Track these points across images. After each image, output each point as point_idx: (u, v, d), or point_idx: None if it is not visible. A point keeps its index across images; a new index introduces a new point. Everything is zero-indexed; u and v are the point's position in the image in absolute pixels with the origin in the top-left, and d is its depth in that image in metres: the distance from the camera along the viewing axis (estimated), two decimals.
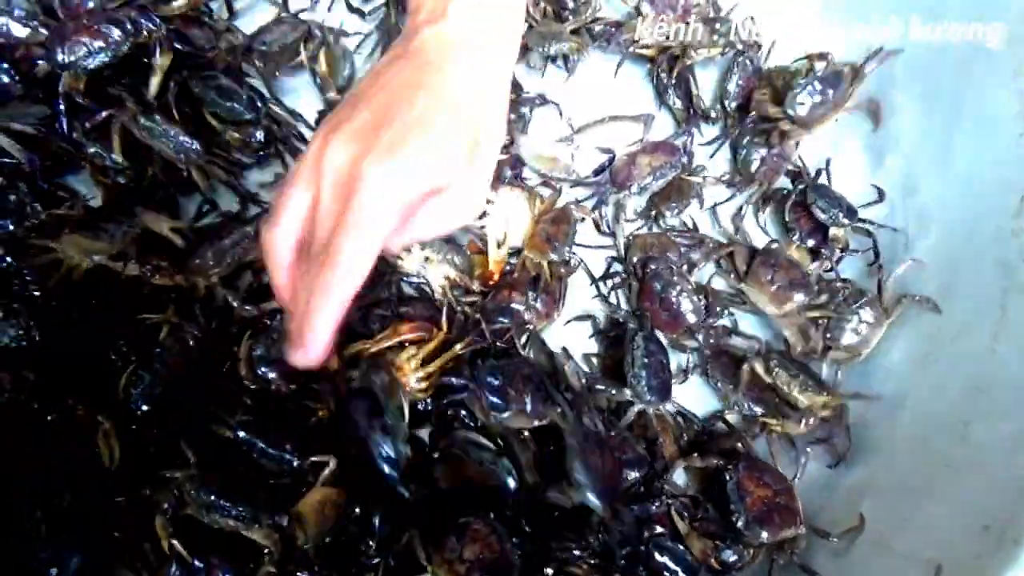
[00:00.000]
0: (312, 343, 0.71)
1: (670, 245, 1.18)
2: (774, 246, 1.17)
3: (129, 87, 1.04)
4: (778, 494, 0.96)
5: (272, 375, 0.98)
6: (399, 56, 0.78)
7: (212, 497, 0.89)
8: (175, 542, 0.86)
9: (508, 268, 1.17)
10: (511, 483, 0.91)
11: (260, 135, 1.12)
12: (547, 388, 0.98)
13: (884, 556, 0.91)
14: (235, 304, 1.02)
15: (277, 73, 1.20)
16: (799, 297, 1.10)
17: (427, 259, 1.15)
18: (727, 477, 0.98)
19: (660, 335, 1.12)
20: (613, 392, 1.07)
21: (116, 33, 0.99)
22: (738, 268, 1.14)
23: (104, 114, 1.00)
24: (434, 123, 0.72)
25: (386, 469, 0.87)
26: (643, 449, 1.03)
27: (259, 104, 1.13)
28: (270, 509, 0.90)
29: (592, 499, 0.87)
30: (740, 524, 0.94)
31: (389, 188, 0.69)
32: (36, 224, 0.97)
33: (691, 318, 1.11)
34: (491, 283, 1.14)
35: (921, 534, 0.90)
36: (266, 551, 0.89)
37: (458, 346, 1.03)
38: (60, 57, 0.98)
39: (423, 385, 1.01)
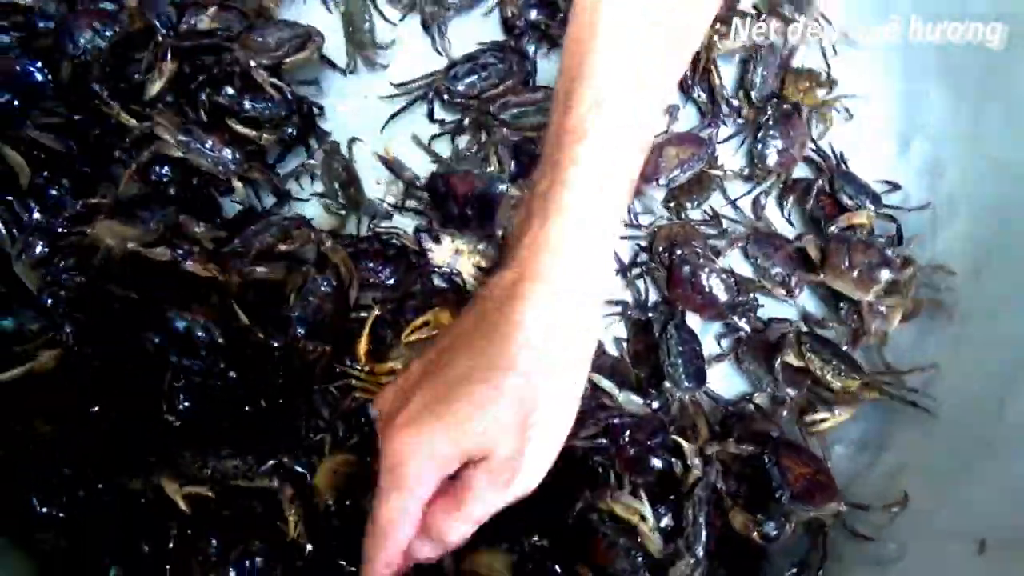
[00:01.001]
0: None
1: (695, 234, 1.19)
2: (840, 230, 1.16)
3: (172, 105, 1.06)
4: (817, 472, 0.98)
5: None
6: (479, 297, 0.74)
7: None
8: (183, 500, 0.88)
9: None
10: None
11: (293, 129, 1.13)
12: None
13: (924, 534, 0.91)
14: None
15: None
16: (885, 275, 1.09)
17: (458, 250, 1.15)
18: (766, 459, 0.98)
19: (694, 318, 1.13)
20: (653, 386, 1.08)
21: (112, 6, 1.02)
22: (813, 258, 1.14)
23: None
24: (477, 380, 0.66)
25: None
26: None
27: (289, 96, 1.13)
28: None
29: None
30: (784, 500, 0.95)
31: (414, 448, 0.64)
32: (72, 216, 0.96)
33: (724, 297, 1.12)
34: None
35: (962, 512, 0.90)
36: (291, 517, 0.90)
37: None
38: (71, 50, 1.00)
39: None
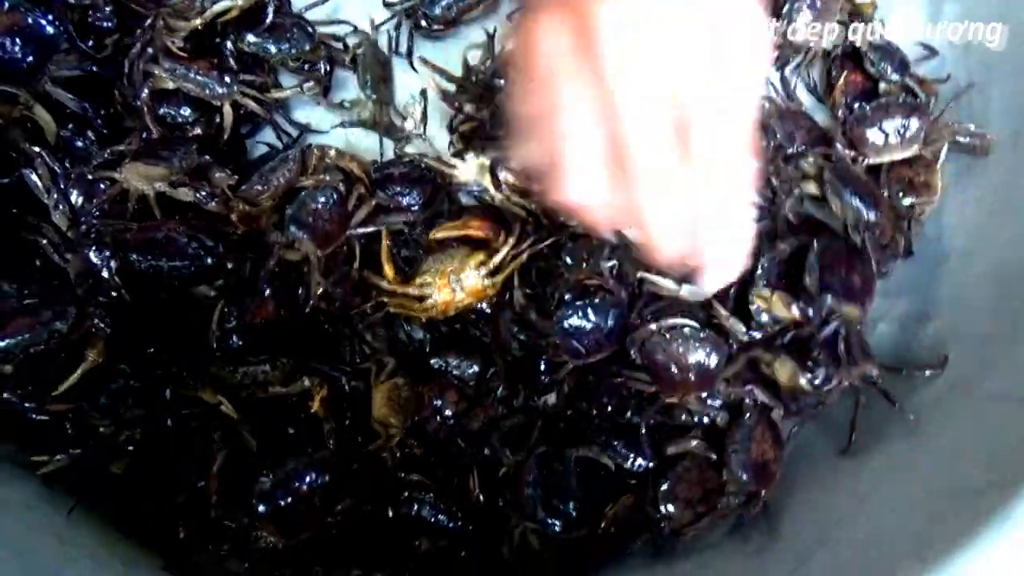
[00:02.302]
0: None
1: None
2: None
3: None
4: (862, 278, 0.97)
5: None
6: None
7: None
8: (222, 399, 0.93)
9: None
10: None
11: (324, 64, 1.14)
12: None
13: (969, 398, 0.91)
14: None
15: None
16: (915, 124, 1.08)
17: (482, 165, 1.15)
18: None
19: None
20: None
21: None
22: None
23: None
24: None
25: None
26: None
27: (309, 28, 1.12)
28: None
29: None
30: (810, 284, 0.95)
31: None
32: (101, 163, 0.98)
33: None
34: None
35: (1008, 376, 0.89)
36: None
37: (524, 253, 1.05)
38: None
39: (491, 290, 1.04)
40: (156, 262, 0.94)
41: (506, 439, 1.03)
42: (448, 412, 1.04)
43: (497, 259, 1.04)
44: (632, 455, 0.99)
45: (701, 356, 0.96)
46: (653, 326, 0.98)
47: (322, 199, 1.03)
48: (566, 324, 1.00)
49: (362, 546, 0.94)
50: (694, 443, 0.97)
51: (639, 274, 1.01)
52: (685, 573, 0.92)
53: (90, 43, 1.03)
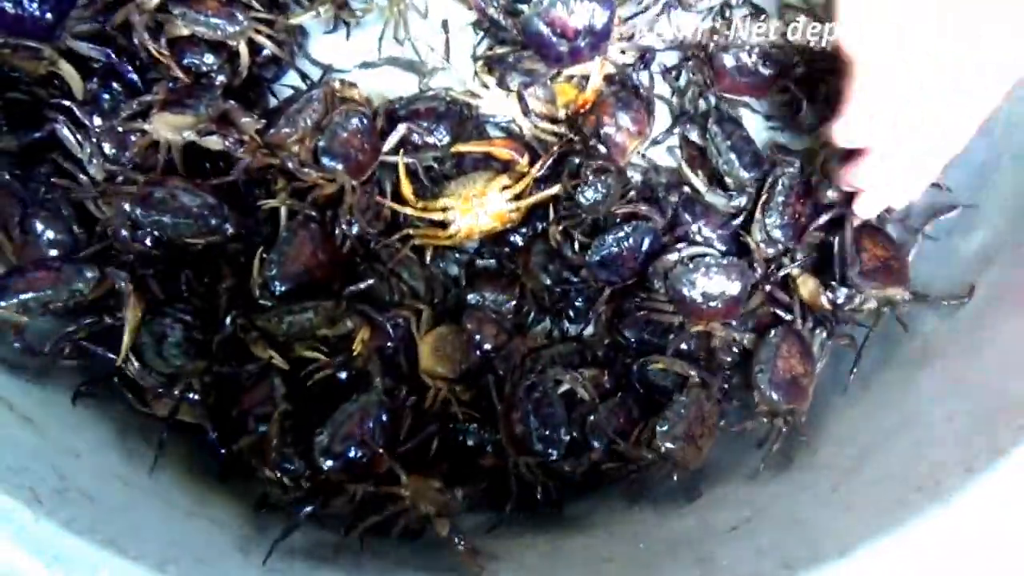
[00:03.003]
0: None
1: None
2: None
3: None
4: (892, 257, 0.98)
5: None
6: None
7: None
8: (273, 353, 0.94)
9: None
10: None
11: None
12: None
13: (1018, 306, 0.90)
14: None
15: None
16: None
17: (508, 94, 1.13)
18: (846, 229, 0.99)
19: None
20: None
21: None
22: None
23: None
24: None
25: None
26: None
27: None
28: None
29: None
30: (853, 273, 0.96)
31: None
32: (130, 115, 0.97)
33: (771, 71, 1.09)
34: (582, 110, 1.11)
35: None
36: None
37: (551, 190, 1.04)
38: None
39: (514, 215, 1.04)
40: (160, 217, 0.94)
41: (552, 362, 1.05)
42: (487, 346, 1.05)
43: (522, 184, 1.03)
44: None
45: (725, 284, 0.96)
46: (674, 256, 0.99)
47: (352, 125, 1.02)
48: (600, 256, 1.01)
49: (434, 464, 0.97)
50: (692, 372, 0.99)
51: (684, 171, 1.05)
52: (729, 492, 0.93)
53: None
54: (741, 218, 1.06)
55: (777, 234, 1.01)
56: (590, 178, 1.03)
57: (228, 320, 0.95)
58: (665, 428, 0.94)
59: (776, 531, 0.82)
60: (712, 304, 0.96)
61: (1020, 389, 0.78)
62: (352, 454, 0.90)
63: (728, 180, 1.05)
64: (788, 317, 1.00)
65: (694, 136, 1.12)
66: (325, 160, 1.00)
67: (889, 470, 0.81)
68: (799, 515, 0.82)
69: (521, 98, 1.08)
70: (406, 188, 1.03)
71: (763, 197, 1.02)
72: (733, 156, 1.04)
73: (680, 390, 0.98)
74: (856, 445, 0.89)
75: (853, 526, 0.75)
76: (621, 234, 1.00)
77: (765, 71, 1.10)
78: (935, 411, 0.85)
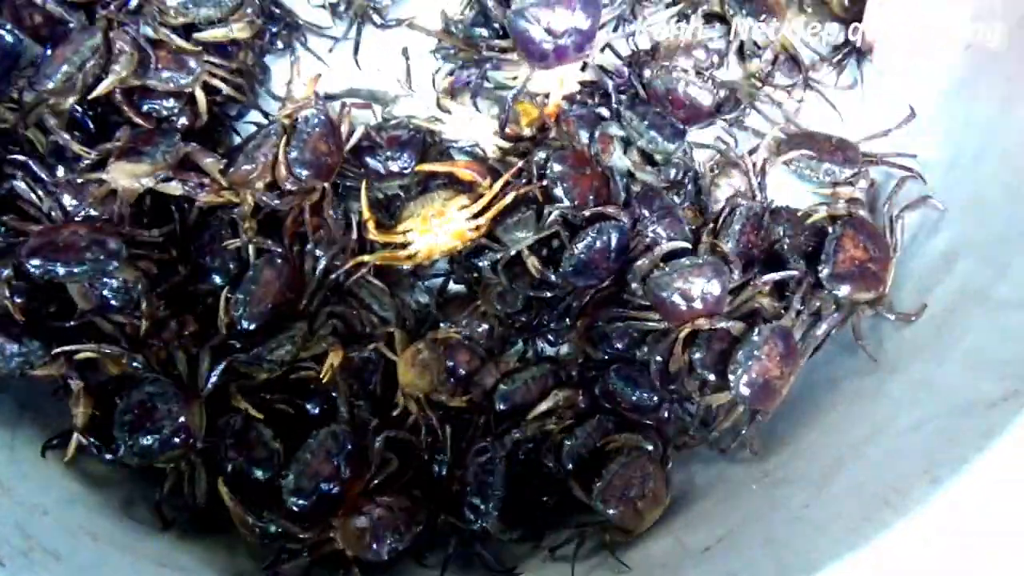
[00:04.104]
0: None
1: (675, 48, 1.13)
2: None
3: None
4: (873, 260, 0.97)
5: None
6: None
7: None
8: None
9: None
10: None
11: (255, 13, 1.07)
12: None
13: (983, 307, 0.89)
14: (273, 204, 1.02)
15: None
16: None
17: (471, 119, 1.13)
18: (831, 230, 0.99)
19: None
20: None
21: None
22: None
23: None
24: None
25: None
26: None
27: None
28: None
29: None
30: (824, 274, 0.97)
31: None
32: (89, 165, 0.98)
33: (707, 101, 1.09)
34: (546, 125, 1.11)
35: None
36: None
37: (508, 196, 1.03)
38: None
39: (473, 233, 1.03)
40: (50, 266, 0.89)
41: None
42: (462, 371, 1.06)
43: (482, 202, 1.03)
44: (641, 392, 1.02)
45: (703, 284, 0.96)
46: (646, 261, 0.98)
47: (315, 128, 1.02)
48: (572, 266, 1.00)
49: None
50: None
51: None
52: (704, 511, 0.93)
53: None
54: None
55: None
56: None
57: (213, 377, 0.95)
58: (599, 486, 0.94)
59: (748, 551, 0.81)
60: (693, 305, 0.96)
61: (987, 390, 0.77)
62: (322, 491, 0.90)
63: (657, 157, 1.08)
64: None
65: (613, 130, 1.11)
66: (297, 170, 1.00)
67: (858, 482, 0.81)
68: (771, 534, 0.81)
69: (503, 126, 1.10)
70: (367, 214, 1.02)
71: (720, 220, 1.03)
72: (653, 133, 1.06)
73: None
74: (828, 457, 0.88)
75: (822, 544, 0.74)
76: (588, 240, 1.00)
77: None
78: (903, 419, 0.84)
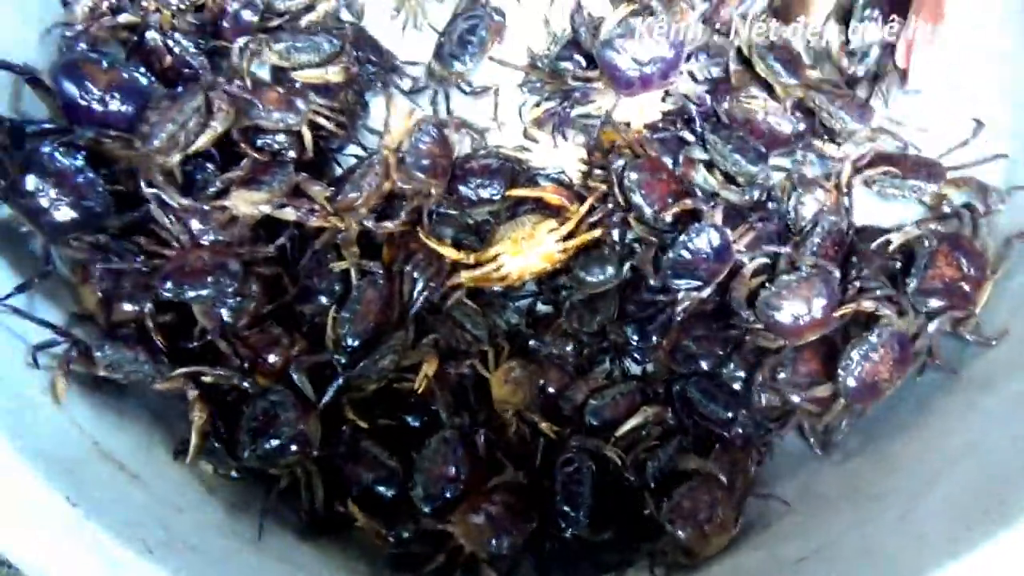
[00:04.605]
0: None
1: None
2: None
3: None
4: (966, 279, 0.99)
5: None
6: None
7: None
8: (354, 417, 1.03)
9: None
10: None
11: (350, 62, 1.15)
12: None
13: None
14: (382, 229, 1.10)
15: None
16: None
17: (556, 147, 1.18)
18: (926, 243, 1.01)
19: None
20: None
21: None
22: None
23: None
24: None
25: None
26: None
27: (333, 32, 1.17)
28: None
29: None
30: (911, 287, 1.00)
31: None
32: (215, 193, 1.06)
33: (787, 129, 1.13)
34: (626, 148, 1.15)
35: None
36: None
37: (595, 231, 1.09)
38: None
39: (562, 255, 1.09)
40: (180, 290, 0.96)
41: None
42: (551, 389, 1.10)
43: (570, 225, 1.08)
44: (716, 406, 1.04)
45: (810, 297, 1.00)
46: (739, 285, 1.02)
47: (427, 137, 1.11)
48: (671, 269, 1.04)
49: None
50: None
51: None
52: (794, 524, 0.94)
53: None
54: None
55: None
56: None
57: (330, 391, 1.02)
58: (668, 505, 0.97)
59: (845, 562, 0.82)
60: (805, 320, 1.00)
61: None
62: (448, 494, 0.97)
63: (740, 179, 1.11)
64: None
65: (696, 153, 1.15)
66: (415, 172, 1.09)
67: (956, 495, 0.81)
68: (868, 545, 0.82)
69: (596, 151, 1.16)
70: (447, 251, 1.09)
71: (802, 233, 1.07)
72: (737, 156, 1.09)
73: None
74: (923, 472, 0.89)
75: (923, 554, 0.75)
76: (683, 240, 1.03)
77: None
78: (999, 433, 0.84)
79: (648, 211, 1.06)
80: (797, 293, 0.99)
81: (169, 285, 0.97)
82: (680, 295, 1.05)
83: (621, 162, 1.08)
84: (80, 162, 0.95)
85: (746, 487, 1.01)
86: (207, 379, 0.97)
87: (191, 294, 0.97)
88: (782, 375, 1.03)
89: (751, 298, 1.02)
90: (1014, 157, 1.08)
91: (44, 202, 0.93)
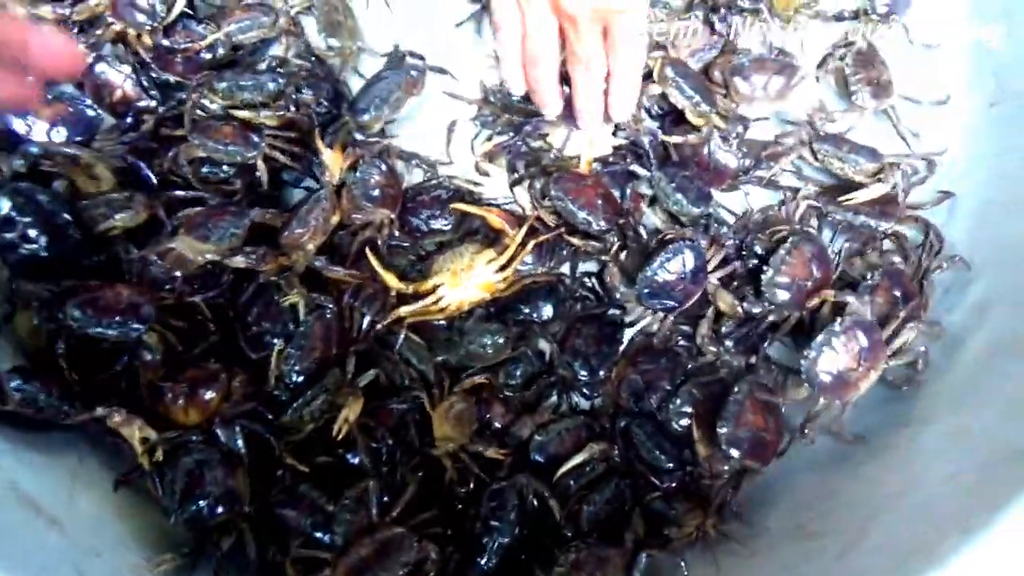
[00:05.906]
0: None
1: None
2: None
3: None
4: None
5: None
6: None
7: None
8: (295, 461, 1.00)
9: None
10: None
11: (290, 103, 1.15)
12: None
13: (1020, 357, 0.89)
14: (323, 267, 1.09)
15: None
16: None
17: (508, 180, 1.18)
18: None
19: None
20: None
21: None
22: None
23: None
24: None
25: None
26: None
27: (278, 69, 1.17)
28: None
29: None
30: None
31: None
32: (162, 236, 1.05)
33: (732, 164, 1.15)
34: None
35: None
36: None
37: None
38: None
39: (501, 284, 1.08)
40: (86, 321, 0.95)
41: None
42: (496, 424, 1.08)
43: (507, 254, 1.08)
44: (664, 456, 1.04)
45: (808, 259, 1.03)
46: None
47: (375, 170, 1.12)
48: (648, 287, 1.04)
49: None
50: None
51: None
52: (734, 565, 0.92)
53: (129, 120, 1.13)
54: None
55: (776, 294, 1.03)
56: None
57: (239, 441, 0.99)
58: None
59: None
60: (809, 284, 1.02)
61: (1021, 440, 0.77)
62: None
63: (683, 219, 1.12)
64: None
65: (643, 188, 1.15)
66: (364, 203, 1.10)
67: (893, 534, 0.80)
68: None
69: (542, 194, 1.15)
70: (390, 280, 1.07)
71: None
72: (679, 195, 1.10)
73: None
74: (864, 509, 0.87)
75: None
76: (661, 258, 1.04)
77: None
78: (937, 471, 0.83)
79: (581, 215, 1.08)
80: (793, 263, 1.01)
81: (77, 313, 0.95)
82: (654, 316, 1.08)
83: (538, 184, 1.11)
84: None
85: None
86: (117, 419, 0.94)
87: (96, 330, 0.96)
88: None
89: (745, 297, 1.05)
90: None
91: None
